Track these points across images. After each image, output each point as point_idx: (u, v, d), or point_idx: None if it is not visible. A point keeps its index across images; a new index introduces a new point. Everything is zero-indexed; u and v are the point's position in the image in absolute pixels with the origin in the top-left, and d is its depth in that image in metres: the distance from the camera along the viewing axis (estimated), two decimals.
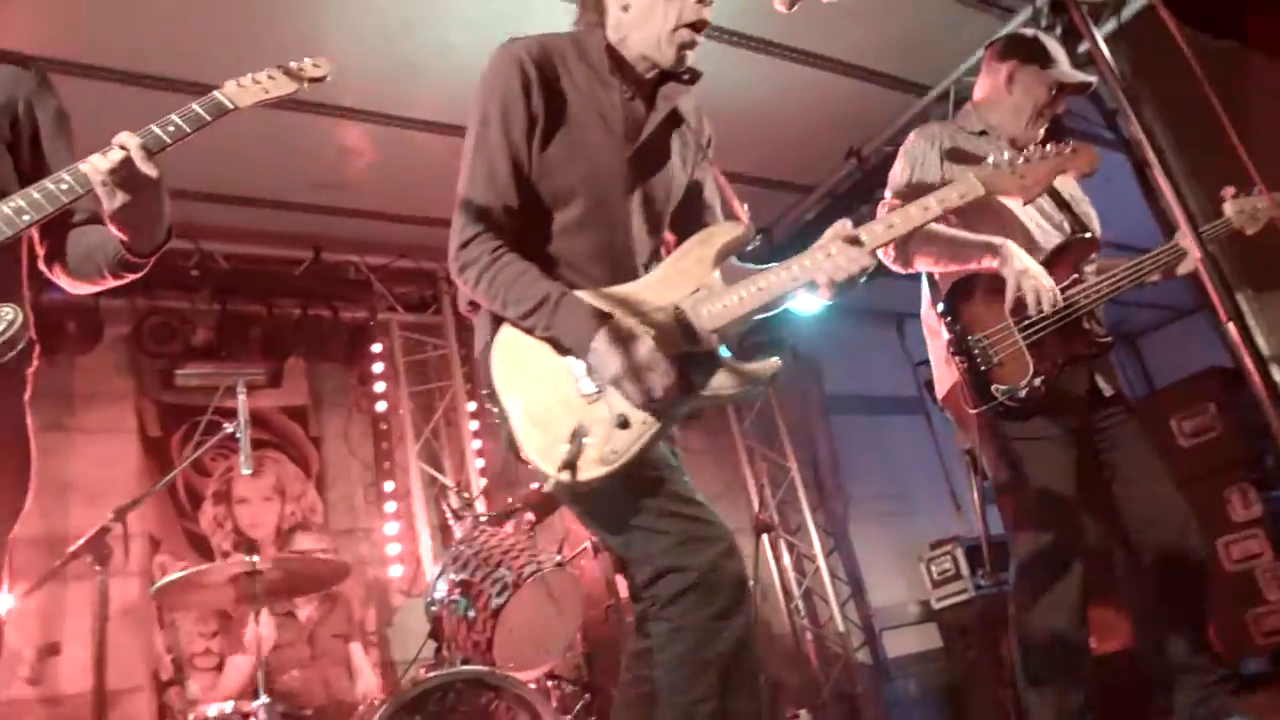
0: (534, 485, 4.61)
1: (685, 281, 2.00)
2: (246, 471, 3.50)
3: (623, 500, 1.90)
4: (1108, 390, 2.83)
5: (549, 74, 2.06)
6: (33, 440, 1.94)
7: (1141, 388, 10.08)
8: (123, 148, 1.79)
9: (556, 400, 1.90)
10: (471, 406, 6.35)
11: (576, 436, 1.83)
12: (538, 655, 3.95)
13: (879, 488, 8.15)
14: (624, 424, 1.86)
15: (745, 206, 2.22)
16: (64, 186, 1.80)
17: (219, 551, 5.33)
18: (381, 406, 6.27)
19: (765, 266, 2.03)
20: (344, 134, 5.08)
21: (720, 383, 1.96)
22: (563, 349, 1.92)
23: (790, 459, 7.82)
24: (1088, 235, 2.93)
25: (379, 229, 6.01)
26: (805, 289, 1.99)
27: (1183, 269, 2.78)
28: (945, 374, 2.89)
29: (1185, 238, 1.74)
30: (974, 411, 2.69)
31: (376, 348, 6.30)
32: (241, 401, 3.58)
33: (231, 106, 1.93)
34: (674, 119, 2.20)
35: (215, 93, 1.94)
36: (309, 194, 5.55)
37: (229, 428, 3.63)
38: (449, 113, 4.92)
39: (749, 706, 1.86)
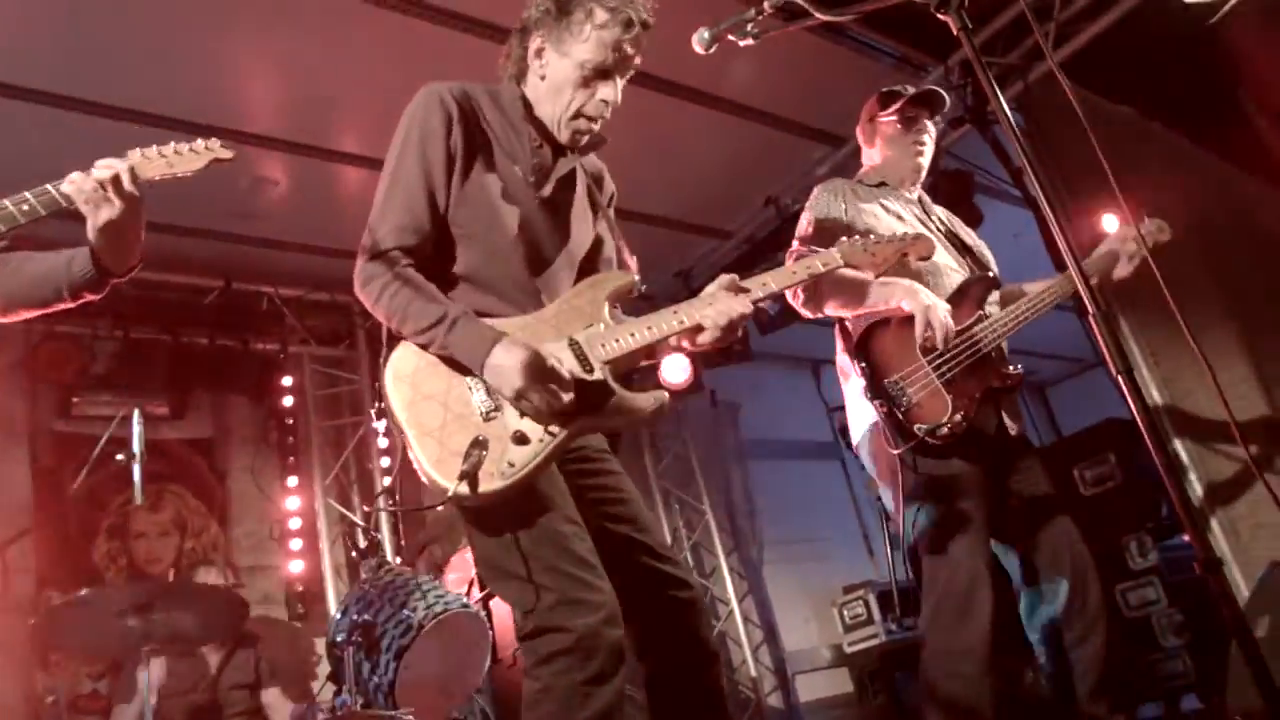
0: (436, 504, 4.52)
1: (579, 318, 2.07)
2: (139, 502, 3.41)
3: (516, 546, 1.89)
4: (1014, 429, 2.88)
5: (468, 113, 2.13)
6: None
7: (1049, 437, 10.36)
8: (110, 168, 1.85)
9: (452, 416, 1.90)
10: (383, 443, 6.22)
11: (474, 449, 1.82)
12: (441, 699, 3.87)
13: (794, 532, 8.19)
14: (521, 440, 1.89)
15: (634, 260, 2.34)
16: (24, 208, 1.83)
17: (111, 587, 5.11)
18: (290, 441, 6.11)
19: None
20: (260, 162, 4.99)
21: (612, 408, 1.99)
22: (459, 367, 1.93)
23: (705, 502, 7.83)
24: (989, 274, 3.05)
25: (293, 260, 5.88)
26: (690, 333, 2.10)
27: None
28: (859, 418, 2.91)
29: (1077, 280, 1.80)
30: (895, 453, 2.71)
31: (287, 381, 6.15)
32: (136, 431, 3.49)
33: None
34: (580, 173, 2.30)
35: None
36: (221, 221, 5.42)
37: (121, 458, 3.51)
38: (369, 146, 4.88)
39: None
